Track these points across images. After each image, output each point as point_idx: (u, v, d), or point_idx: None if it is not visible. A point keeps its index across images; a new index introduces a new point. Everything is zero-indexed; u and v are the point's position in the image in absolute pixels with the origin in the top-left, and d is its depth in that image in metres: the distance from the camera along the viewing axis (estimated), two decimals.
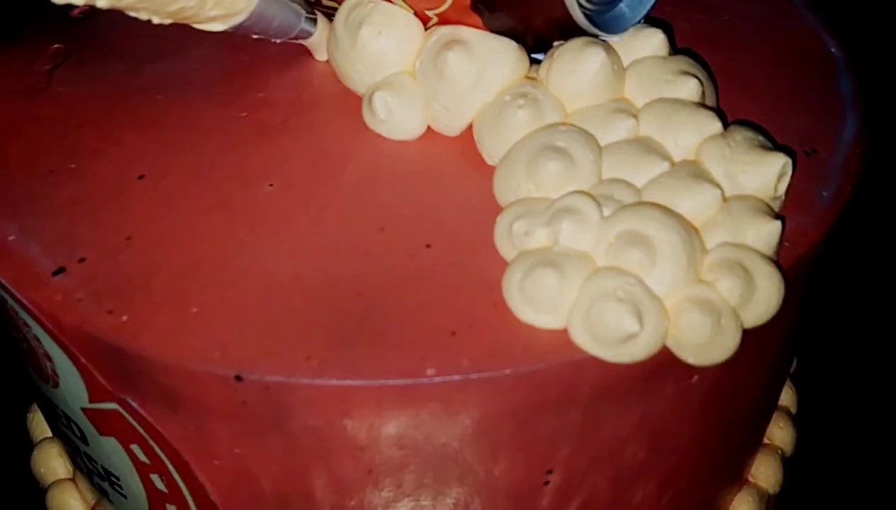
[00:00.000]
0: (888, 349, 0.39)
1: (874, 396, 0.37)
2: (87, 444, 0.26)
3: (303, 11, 0.27)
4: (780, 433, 0.33)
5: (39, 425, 0.35)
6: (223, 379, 0.20)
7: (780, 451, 0.33)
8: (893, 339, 0.39)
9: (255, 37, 0.26)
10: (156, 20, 0.24)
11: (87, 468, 0.28)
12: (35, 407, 0.35)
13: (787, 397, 0.34)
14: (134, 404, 0.23)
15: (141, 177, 0.25)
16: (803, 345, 0.36)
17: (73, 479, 0.34)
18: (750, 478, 0.32)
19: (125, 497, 0.27)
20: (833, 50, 0.29)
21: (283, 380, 0.20)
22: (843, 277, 0.40)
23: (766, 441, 0.33)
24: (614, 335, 0.20)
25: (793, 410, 0.35)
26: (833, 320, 0.39)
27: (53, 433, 0.32)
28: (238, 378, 0.20)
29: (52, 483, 0.34)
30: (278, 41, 0.27)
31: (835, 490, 0.35)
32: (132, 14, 0.23)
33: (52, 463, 0.34)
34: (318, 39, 0.27)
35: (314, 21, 0.27)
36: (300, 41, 0.28)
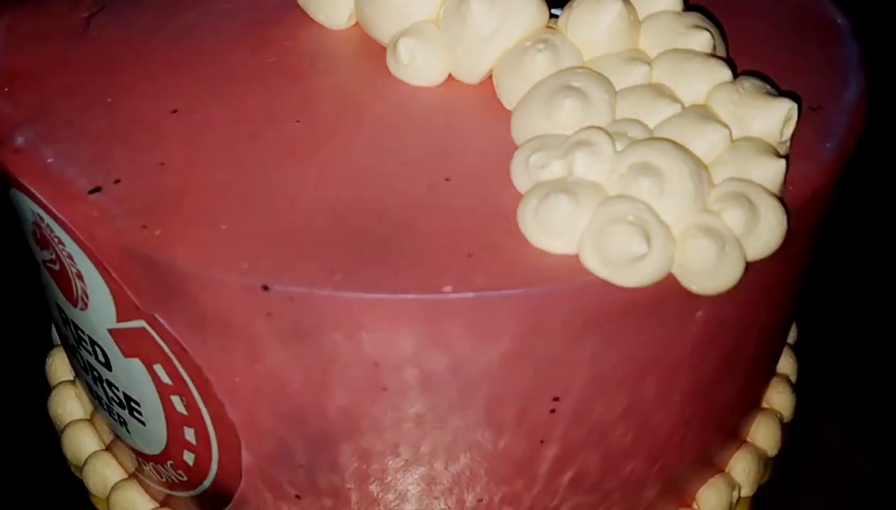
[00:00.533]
0: (889, 323, 0.40)
1: (874, 370, 0.38)
2: (111, 369, 0.27)
3: None
4: (779, 398, 0.34)
5: (58, 370, 0.36)
6: (250, 288, 0.21)
7: (779, 415, 0.34)
8: (893, 315, 0.40)
9: None
10: None
11: (108, 397, 0.29)
12: (52, 353, 0.37)
13: (787, 365, 0.35)
14: (161, 320, 0.24)
15: (174, 111, 0.26)
16: (805, 317, 0.37)
17: (89, 420, 0.35)
18: (748, 439, 0.33)
19: (143, 424, 0.28)
20: (839, 21, 0.30)
21: (307, 291, 0.21)
22: (844, 254, 0.41)
23: (765, 405, 0.34)
24: (623, 257, 0.21)
25: (793, 379, 0.36)
26: (834, 292, 0.40)
27: (74, 367, 0.33)
28: (265, 288, 0.21)
29: (69, 424, 0.35)
30: None
31: (834, 454, 0.35)
32: None
33: (69, 404, 0.35)
34: None
35: None
36: None
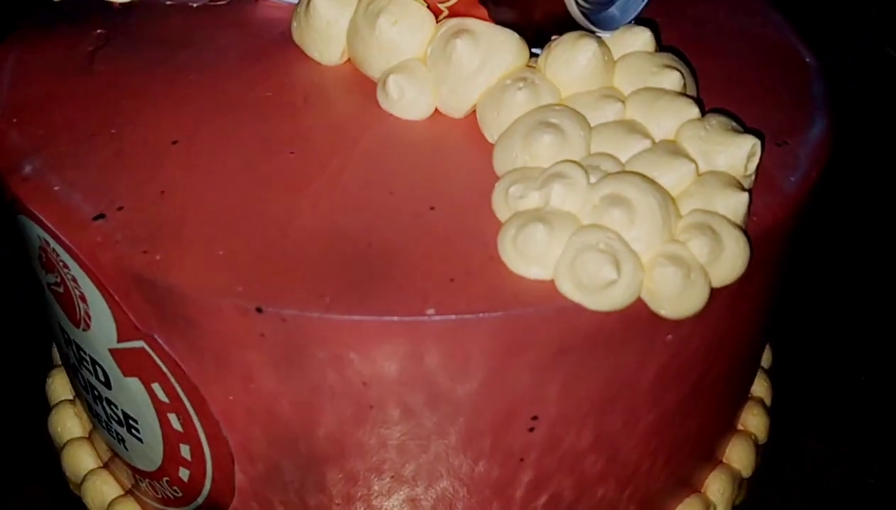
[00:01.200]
0: (863, 346, 0.41)
1: (848, 392, 0.39)
2: (110, 388, 0.28)
3: None
4: (754, 420, 0.35)
5: (57, 389, 0.37)
6: (245, 310, 0.23)
7: (753, 437, 0.35)
8: (868, 338, 0.41)
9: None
10: None
11: (107, 415, 0.30)
12: (53, 372, 0.38)
13: (761, 389, 0.36)
14: (160, 340, 0.25)
15: (174, 142, 0.28)
16: (779, 341, 0.39)
17: (87, 438, 0.36)
18: (724, 460, 0.34)
19: (141, 441, 0.29)
20: (808, 60, 0.32)
21: (299, 313, 0.23)
22: (817, 275, 0.42)
23: (740, 427, 0.35)
24: (595, 282, 0.22)
25: (767, 402, 0.37)
26: (808, 315, 0.41)
27: (74, 386, 0.34)
28: (258, 310, 0.23)
29: (68, 441, 0.36)
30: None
31: (807, 478, 0.37)
32: None
33: (69, 422, 0.36)
34: None
35: None
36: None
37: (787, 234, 0.27)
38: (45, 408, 0.37)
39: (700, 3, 0.34)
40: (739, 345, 0.29)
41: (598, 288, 0.22)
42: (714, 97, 0.29)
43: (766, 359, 0.38)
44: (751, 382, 0.35)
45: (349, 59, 0.30)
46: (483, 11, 0.27)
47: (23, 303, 0.41)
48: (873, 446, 0.37)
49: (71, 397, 0.36)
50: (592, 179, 0.24)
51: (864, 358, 0.41)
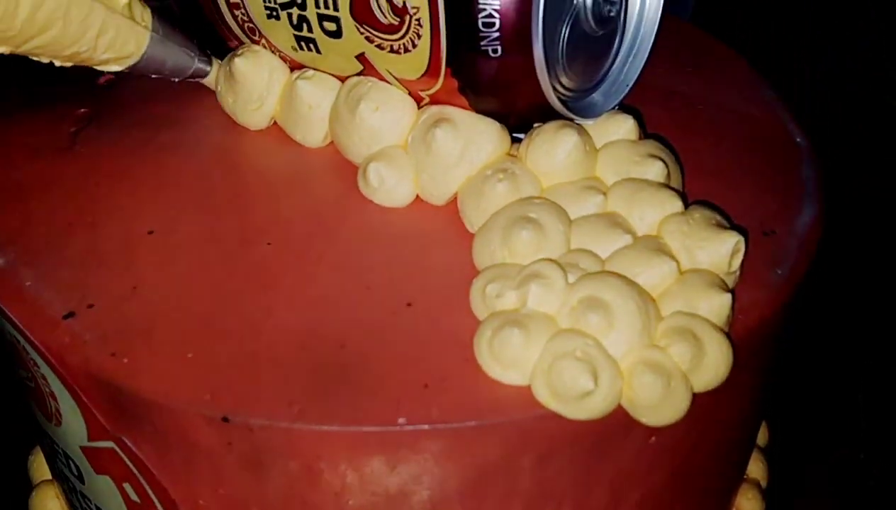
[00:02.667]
0: (854, 429, 0.40)
1: (844, 473, 0.38)
2: (83, 483, 0.28)
3: (196, 52, 0.30)
4: (748, 504, 0.34)
5: (39, 468, 0.37)
6: (211, 420, 0.22)
7: None
8: (859, 420, 0.40)
9: (153, 76, 0.29)
10: (57, 63, 0.27)
11: (82, 507, 0.29)
12: (36, 450, 0.37)
13: (757, 470, 0.35)
14: (129, 443, 0.24)
15: (150, 232, 0.27)
16: (777, 421, 0.38)
17: None
18: None
19: None
20: (798, 140, 0.31)
21: (266, 423, 0.22)
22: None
23: None
24: (571, 392, 0.22)
25: (763, 484, 0.36)
26: (806, 395, 0.40)
27: (52, 474, 0.33)
28: (225, 419, 0.22)
29: None
30: (176, 80, 0.30)
31: None
32: (34, 58, 0.27)
33: (49, 504, 0.35)
34: (212, 78, 0.31)
35: (208, 61, 0.30)
36: (197, 79, 0.31)
37: (774, 330, 0.26)
38: (26, 485, 0.36)
39: (691, 79, 0.34)
40: (727, 438, 0.28)
41: (575, 398, 0.22)
42: (701, 180, 0.28)
43: (761, 437, 0.37)
44: (744, 466, 0.34)
45: (332, 141, 0.30)
46: (464, 100, 0.27)
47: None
48: None
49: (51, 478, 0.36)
50: (571, 278, 0.23)
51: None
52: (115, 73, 0.35)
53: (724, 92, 0.33)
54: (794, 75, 0.59)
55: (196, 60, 0.30)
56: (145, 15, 0.28)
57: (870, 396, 0.37)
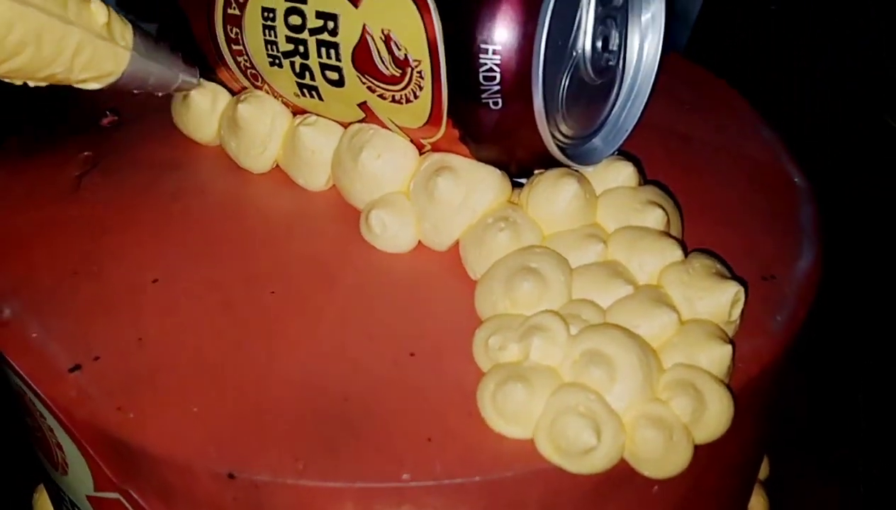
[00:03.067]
0: (854, 429, 0.40)
1: (844, 473, 0.38)
2: None
3: (180, 65, 0.29)
4: None
5: (43, 507, 0.37)
6: (216, 475, 0.22)
7: None
8: (859, 420, 0.40)
9: (135, 92, 0.29)
10: (31, 84, 0.26)
11: None
12: (40, 487, 0.37)
13: (758, 506, 0.35)
14: (135, 495, 0.25)
15: (155, 281, 0.28)
16: (776, 453, 0.38)
17: None
18: None
19: None
20: (797, 180, 0.32)
21: (271, 479, 0.22)
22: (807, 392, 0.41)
23: None
24: (575, 447, 0.22)
25: None
26: (806, 395, 0.41)
27: None
28: (230, 475, 0.22)
29: None
30: (160, 94, 0.30)
31: None
32: (6, 81, 0.26)
33: None
34: (202, 100, 0.30)
35: (194, 74, 0.30)
36: (182, 91, 0.30)
37: (775, 376, 0.26)
38: None
39: (691, 118, 0.34)
40: (729, 478, 0.28)
41: (578, 453, 0.22)
42: (700, 221, 0.28)
43: (763, 470, 0.37)
44: (746, 500, 0.34)
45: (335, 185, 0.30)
46: (465, 148, 0.27)
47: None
48: None
49: None
50: (573, 330, 0.24)
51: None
52: (118, 115, 0.35)
53: (723, 131, 0.34)
54: (794, 75, 0.59)
55: (181, 75, 0.30)
56: (126, 33, 0.27)
57: (870, 396, 0.37)
